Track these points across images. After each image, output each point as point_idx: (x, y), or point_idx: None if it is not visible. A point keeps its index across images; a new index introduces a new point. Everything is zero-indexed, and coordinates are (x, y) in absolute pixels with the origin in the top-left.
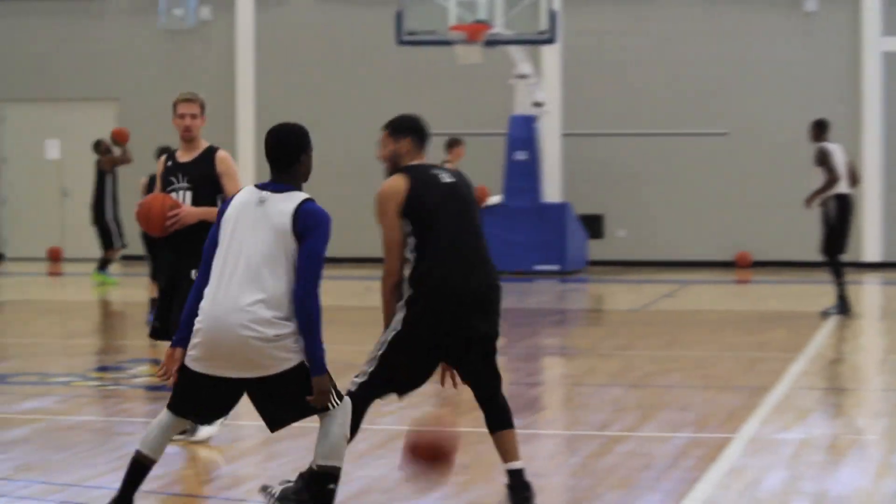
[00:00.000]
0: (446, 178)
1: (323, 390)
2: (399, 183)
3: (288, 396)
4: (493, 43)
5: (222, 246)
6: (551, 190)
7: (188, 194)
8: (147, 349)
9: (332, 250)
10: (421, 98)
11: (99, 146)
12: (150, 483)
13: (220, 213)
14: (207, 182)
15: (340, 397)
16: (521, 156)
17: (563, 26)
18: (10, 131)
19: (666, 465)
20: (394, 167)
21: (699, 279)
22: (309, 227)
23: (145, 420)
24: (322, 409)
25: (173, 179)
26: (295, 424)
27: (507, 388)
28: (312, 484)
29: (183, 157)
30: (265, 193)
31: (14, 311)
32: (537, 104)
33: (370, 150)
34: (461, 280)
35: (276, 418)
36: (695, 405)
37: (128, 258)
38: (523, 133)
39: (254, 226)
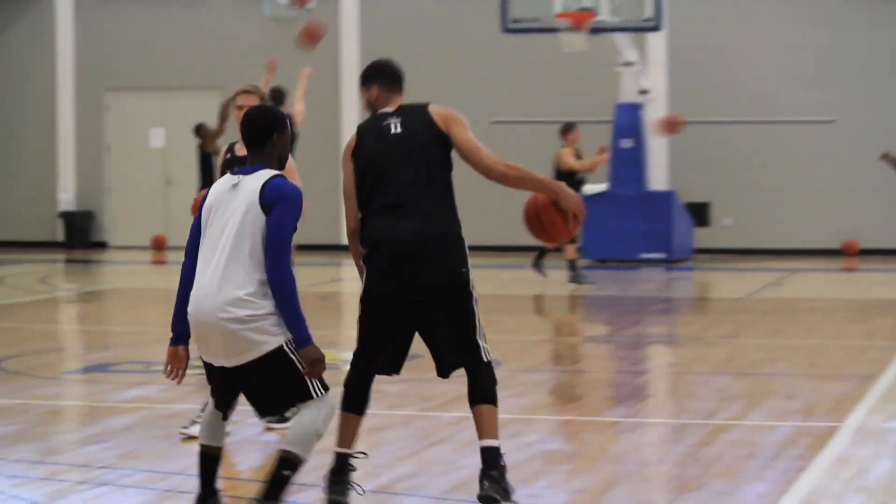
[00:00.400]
0: (397, 128)
1: (314, 359)
2: (353, 134)
3: (271, 381)
4: (598, 30)
5: (204, 235)
6: (657, 178)
7: None
8: None
9: None
10: (526, 86)
11: (200, 130)
12: (253, 472)
13: (202, 203)
14: None
15: (326, 388)
16: (626, 143)
17: (669, 13)
18: (114, 120)
19: (772, 454)
20: None
21: (806, 267)
22: (275, 200)
23: (248, 408)
24: (305, 398)
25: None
26: (405, 412)
27: (613, 376)
28: (276, 469)
29: (242, 150)
30: (239, 177)
31: (118, 300)
32: (643, 92)
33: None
34: (390, 231)
35: (262, 406)
36: (801, 394)
37: None
38: (629, 121)
39: (228, 209)
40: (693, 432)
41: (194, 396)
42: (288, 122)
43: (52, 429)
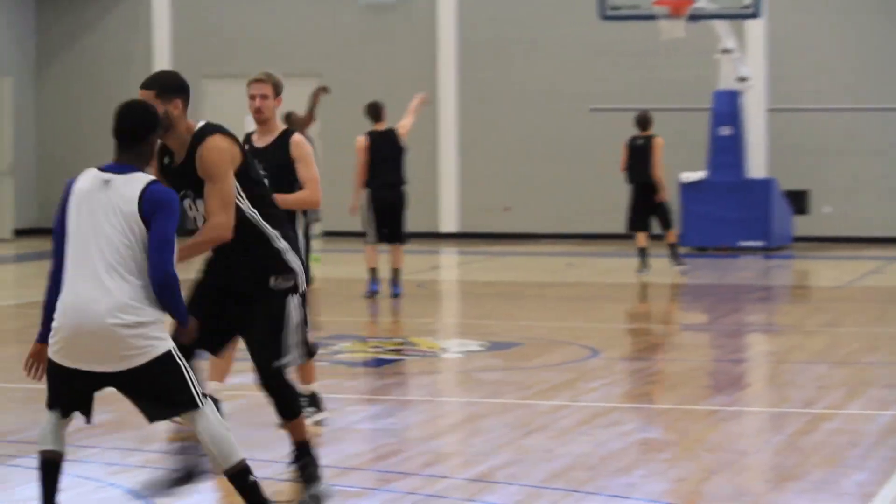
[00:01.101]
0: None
1: (191, 335)
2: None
3: (158, 386)
4: (697, 17)
5: (72, 233)
6: (756, 165)
7: (266, 182)
8: (349, 325)
9: (532, 226)
10: (624, 74)
11: (289, 118)
12: (352, 459)
13: (64, 198)
14: (285, 169)
15: (205, 394)
16: (725, 131)
17: (768, 0)
18: (210, 107)
19: (873, 442)
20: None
21: None
22: (154, 210)
23: (347, 396)
24: (190, 406)
25: None
26: (502, 401)
27: (712, 365)
28: (235, 485)
29: (259, 141)
30: (109, 175)
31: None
32: (742, 79)
33: (574, 126)
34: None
35: (150, 411)
36: None
37: (330, 234)
38: (727, 108)
39: (102, 210)
40: (792, 421)
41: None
42: (159, 123)
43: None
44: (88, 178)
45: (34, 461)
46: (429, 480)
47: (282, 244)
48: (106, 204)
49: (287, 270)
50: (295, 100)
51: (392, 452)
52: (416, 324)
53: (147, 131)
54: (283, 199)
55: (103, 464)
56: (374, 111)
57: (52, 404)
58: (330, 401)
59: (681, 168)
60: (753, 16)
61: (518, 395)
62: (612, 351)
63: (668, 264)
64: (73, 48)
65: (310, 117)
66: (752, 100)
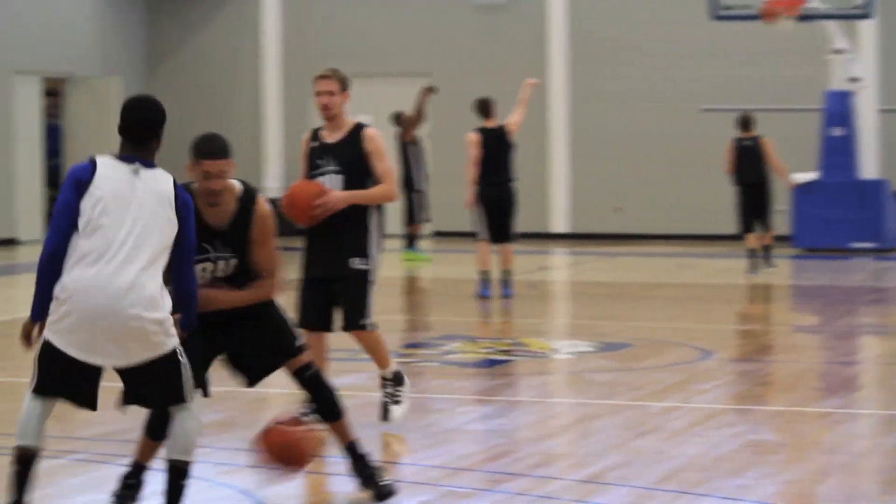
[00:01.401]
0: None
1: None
2: None
3: (159, 380)
4: (808, 17)
5: (101, 219)
6: (868, 166)
7: (338, 178)
8: (459, 325)
9: (642, 226)
10: (735, 73)
11: (399, 119)
12: (462, 460)
13: (80, 180)
14: (357, 164)
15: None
16: (837, 132)
17: (881, 0)
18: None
19: None
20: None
21: None
22: (185, 214)
23: (456, 397)
24: (179, 400)
25: (320, 162)
26: (614, 402)
27: (823, 367)
28: (170, 477)
29: (329, 136)
30: (136, 166)
31: None
32: (854, 80)
33: (685, 126)
34: None
35: (142, 402)
36: None
37: (440, 234)
38: (839, 108)
39: (131, 199)
40: None
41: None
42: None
43: (260, 416)
44: (117, 165)
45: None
46: (539, 482)
47: None
48: (143, 195)
49: None
50: (405, 100)
51: (503, 453)
52: (527, 324)
53: (161, 126)
54: (363, 195)
55: (214, 463)
56: (484, 107)
57: (41, 390)
58: (440, 401)
59: (792, 169)
60: (865, 16)
61: (629, 396)
62: (723, 352)
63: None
64: (183, 48)
65: (418, 117)
66: (864, 100)
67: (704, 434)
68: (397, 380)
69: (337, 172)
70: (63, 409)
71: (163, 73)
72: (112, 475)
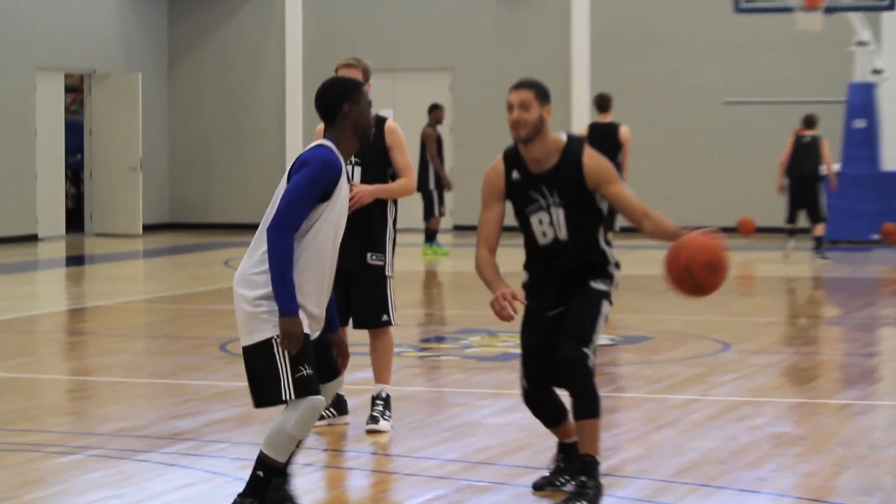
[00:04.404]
0: None
1: (287, 331)
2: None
3: (254, 372)
4: (832, 9)
5: None
6: (891, 158)
7: (357, 170)
8: (478, 319)
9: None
10: (758, 66)
11: (432, 111)
12: (480, 454)
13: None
14: (378, 156)
15: (301, 393)
16: (860, 123)
17: None
18: None
19: None
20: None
21: None
22: (299, 166)
23: (476, 391)
24: (275, 399)
25: None
26: (632, 395)
27: (844, 358)
28: (259, 472)
29: None
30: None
31: None
32: (877, 71)
33: (708, 119)
34: None
35: (252, 395)
36: None
37: (460, 228)
38: (862, 100)
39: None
40: None
41: (420, 379)
42: (360, 90)
43: (278, 411)
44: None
45: (160, 456)
46: None
47: None
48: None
49: None
50: (427, 95)
51: (521, 447)
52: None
53: (340, 101)
54: (386, 189)
55: (231, 458)
56: (602, 102)
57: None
58: (460, 395)
59: None
60: (890, 8)
61: (648, 388)
62: (743, 345)
63: (810, 256)
64: (205, 44)
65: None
66: (887, 92)
67: (723, 427)
68: (387, 404)
69: (356, 164)
70: (79, 406)
71: (185, 70)
72: (129, 471)
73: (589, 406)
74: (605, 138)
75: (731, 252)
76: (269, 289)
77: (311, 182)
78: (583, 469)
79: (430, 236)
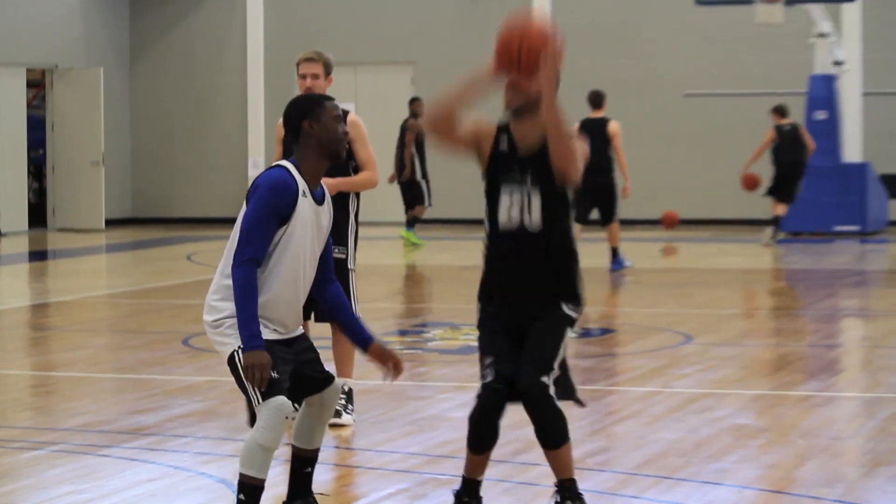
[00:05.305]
0: None
1: (250, 364)
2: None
3: (238, 384)
4: (793, 1)
5: None
6: (851, 150)
7: None
8: (445, 312)
9: (626, 211)
10: (718, 58)
11: (412, 103)
12: (443, 447)
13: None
14: None
15: (266, 395)
16: (821, 115)
17: None
18: None
19: None
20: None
21: None
22: (252, 191)
23: (438, 384)
24: (250, 406)
25: None
26: (594, 387)
27: (806, 350)
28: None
29: None
30: None
31: None
32: (837, 63)
33: (669, 111)
34: None
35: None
36: None
37: (431, 221)
38: (823, 92)
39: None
40: (886, 406)
41: (381, 373)
42: (323, 106)
43: (240, 406)
44: None
45: (123, 451)
46: (520, 468)
47: None
48: None
49: None
50: (392, 88)
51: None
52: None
53: (299, 119)
54: (349, 182)
55: (194, 453)
56: (595, 99)
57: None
58: (422, 388)
59: None
60: (849, 0)
61: (610, 381)
62: (705, 337)
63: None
64: (166, 39)
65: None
66: (847, 84)
67: (685, 419)
68: (350, 398)
69: None
70: (43, 401)
71: (147, 64)
72: (92, 466)
73: (558, 436)
74: (595, 133)
75: (692, 244)
76: (230, 312)
77: (262, 209)
78: (568, 496)
79: (411, 223)
